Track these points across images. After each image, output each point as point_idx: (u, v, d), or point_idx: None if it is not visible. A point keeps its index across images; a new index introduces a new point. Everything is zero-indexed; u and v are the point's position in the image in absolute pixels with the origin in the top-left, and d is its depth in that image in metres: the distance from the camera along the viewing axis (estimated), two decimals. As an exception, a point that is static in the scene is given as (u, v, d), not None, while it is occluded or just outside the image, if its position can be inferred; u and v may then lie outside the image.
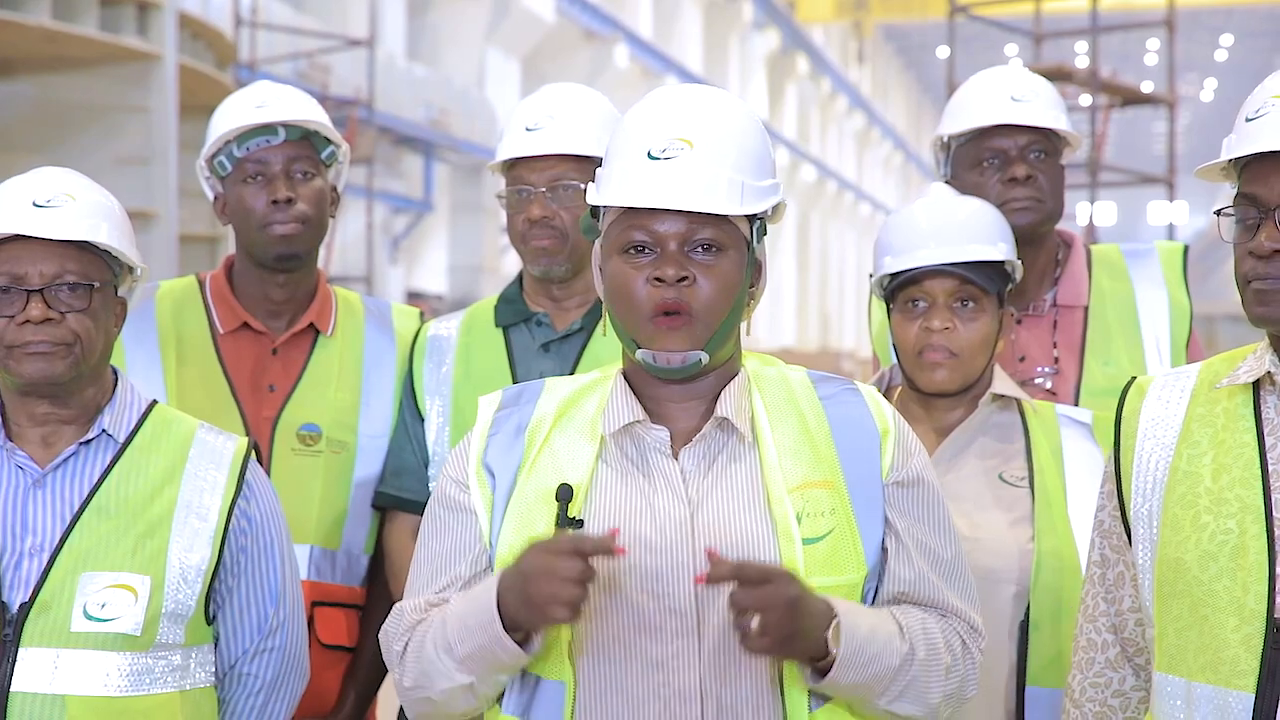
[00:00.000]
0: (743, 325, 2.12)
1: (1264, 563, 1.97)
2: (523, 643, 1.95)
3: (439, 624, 2.01)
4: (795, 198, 39.31)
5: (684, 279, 1.99)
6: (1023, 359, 3.11)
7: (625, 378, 2.12)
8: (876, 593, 2.09)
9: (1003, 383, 2.81)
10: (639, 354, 2.03)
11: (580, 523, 2.01)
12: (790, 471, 2.06)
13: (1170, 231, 16.89)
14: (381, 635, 2.12)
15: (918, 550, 2.09)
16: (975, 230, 2.77)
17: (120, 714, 2.26)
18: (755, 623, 1.87)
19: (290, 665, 2.50)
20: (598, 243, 2.12)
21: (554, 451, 2.08)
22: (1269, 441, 2.04)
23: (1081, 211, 17.30)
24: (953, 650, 2.08)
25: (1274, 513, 1.99)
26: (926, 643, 2.04)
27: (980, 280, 2.73)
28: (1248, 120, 2.02)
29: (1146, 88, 22.36)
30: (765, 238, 2.10)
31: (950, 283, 2.74)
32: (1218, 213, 2.08)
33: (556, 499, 2.02)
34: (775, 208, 2.09)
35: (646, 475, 2.06)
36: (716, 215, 2.01)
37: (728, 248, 2.02)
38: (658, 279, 1.99)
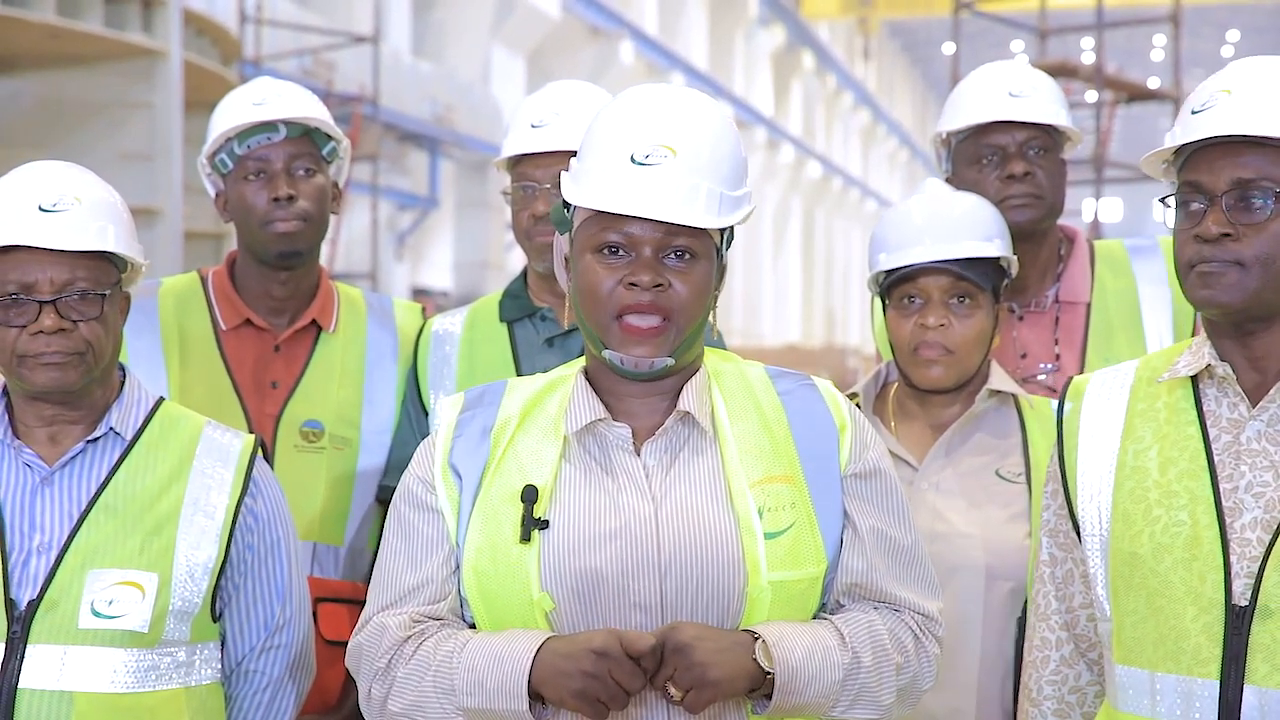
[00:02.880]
0: (711, 327, 2.15)
1: (1218, 551, 2.02)
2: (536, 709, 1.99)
3: (441, 663, 2.01)
4: (800, 194, 39.30)
5: (659, 285, 2.01)
6: (1024, 355, 3.10)
7: (586, 375, 2.14)
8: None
9: (999, 378, 2.82)
10: (606, 354, 2.05)
11: (546, 523, 2.02)
12: (751, 466, 2.07)
13: (1175, 228, 16.86)
14: (354, 646, 2.12)
15: (874, 540, 2.10)
16: (969, 227, 2.77)
17: (127, 710, 2.27)
18: (671, 690, 1.94)
19: (297, 662, 2.50)
20: (563, 236, 2.13)
21: (518, 453, 2.09)
22: (1213, 433, 2.09)
23: (1086, 207, 17.29)
24: (903, 647, 2.08)
25: (1224, 502, 2.04)
26: (873, 646, 2.04)
27: (975, 277, 2.74)
28: (1194, 113, 2.08)
29: (1153, 84, 22.33)
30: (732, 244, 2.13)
31: (945, 279, 2.74)
32: (1161, 200, 2.13)
33: (522, 500, 2.04)
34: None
35: (610, 472, 2.07)
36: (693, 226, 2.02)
37: (700, 256, 2.04)
38: (632, 283, 2.01)
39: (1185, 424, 2.11)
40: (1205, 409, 2.11)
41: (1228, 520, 2.03)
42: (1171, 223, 2.10)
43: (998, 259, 2.79)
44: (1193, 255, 2.05)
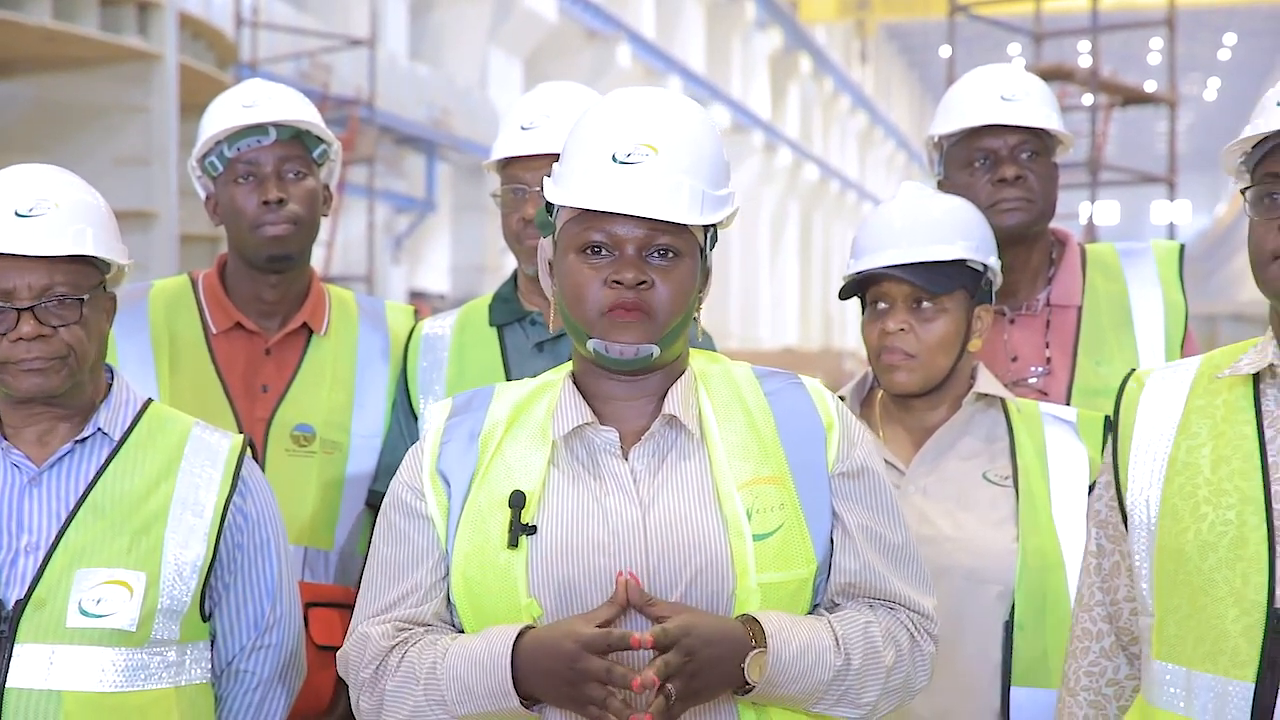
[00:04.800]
0: (695, 327, 2.15)
1: (1264, 554, 2.00)
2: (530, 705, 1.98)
3: (427, 675, 2.01)
4: (798, 197, 39.33)
5: (642, 283, 2.01)
6: (1015, 359, 3.10)
7: (574, 380, 2.14)
8: (826, 584, 2.10)
9: (986, 382, 2.81)
10: (591, 343, 2.04)
11: (533, 529, 2.02)
12: (739, 468, 2.07)
13: (1171, 231, 16.89)
14: (341, 657, 2.12)
15: (865, 539, 2.10)
16: (932, 230, 2.75)
17: (115, 709, 2.27)
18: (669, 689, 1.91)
19: (287, 662, 2.50)
20: (546, 239, 2.13)
21: (506, 458, 2.09)
22: (1269, 434, 2.06)
23: (1082, 211, 17.32)
24: (898, 646, 2.08)
25: (1274, 504, 2.01)
26: (865, 648, 2.04)
27: (930, 281, 2.72)
28: (1279, 104, 2.06)
29: (1150, 87, 22.34)
30: (715, 246, 2.12)
31: (904, 285, 2.73)
32: (1243, 191, 2.11)
33: (510, 505, 2.03)
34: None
35: (597, 477, 2.07)
36: (676, 223, 2.02)
37: (684, 254, 2.04)
38: (616, 281, 2.01)
39: (1241, 423, 2.08)
40: (1264, 408, 2.08)
41: (1277, 523, 2.00)
42: (1252, 213, 2.08)
43: (967, 261, 2.77)
44: (1278, 245, 2.04)
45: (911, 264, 2.73)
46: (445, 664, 1.99)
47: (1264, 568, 1.99)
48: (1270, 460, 2.04)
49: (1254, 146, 2.10)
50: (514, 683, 1.95)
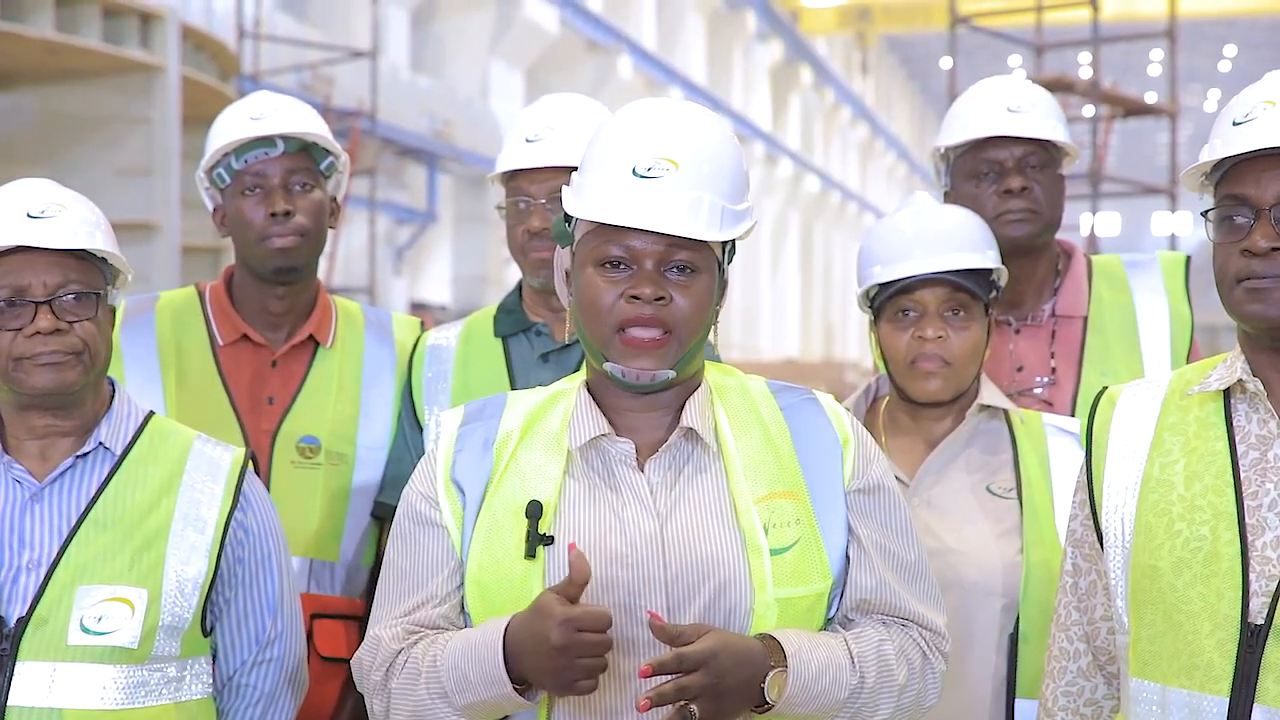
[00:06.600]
0: (714, 341, 2.15)
1: (1237, 569, 2.00)
2: (524, 691, 1.96)
3: (429, 668, 2.00)
4: (799, 208, 39.34)
5: (660, 299, 2.00)
6: (1021, 369, 3.10)
7: (589, 389, 2.13)
8: (841, 600, 2.10)
9: (990, 393, 2.81)
10: (607, 366, 2.04)
11: (550, 539, 2.01)
12: (755, 482, 2.07)
13: (1173, 242, 16.90)
14: (355, 663, 2.11)
15: (879, 556, 2.10)
16: (963, 238, 2.77)
17: (116, 726, 2.26)
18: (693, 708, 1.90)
19: (288, 676, 2.50)
20: (564, 249, 2.12)
21: (520, 467, 2.09)
22: (1240, 449, 2.07)
23: (1084, 222, 17.32)
24: (910, 664, 2.08)
25: (1247, 519, 2.02)
26: (879, 667, 2.04)
27: (971, 288, 2.74)
28: (1235, 124, 2.05)
29: (1151, 98, 22.36)
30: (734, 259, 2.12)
31: (942, 291, 2.74)
32: (1204, 214, 2.10)
33: (527, 516, 2.02)
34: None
35: (614, 489, 2.06)
36: (695, 239, 2.01)
37: (701, 270, 2.04)
38: (634, 296, 2.00)
39: (1213, 439, 2.09)
40: (1235, 424, 2.08)
41: (1250, 538, 2.01)
42: (1213, 235, 2.07)
43: (989, 272, 2.79)
44: (1240, 269, 2.03)
45: (954, 270, 2.73)
46: (445, 655, 1.99)
47: (1237, 583, 2.00)
48: (1242, 475, 2.05)
49: (1214, 168, 2.09)
50: (506, 667, 1.93)
